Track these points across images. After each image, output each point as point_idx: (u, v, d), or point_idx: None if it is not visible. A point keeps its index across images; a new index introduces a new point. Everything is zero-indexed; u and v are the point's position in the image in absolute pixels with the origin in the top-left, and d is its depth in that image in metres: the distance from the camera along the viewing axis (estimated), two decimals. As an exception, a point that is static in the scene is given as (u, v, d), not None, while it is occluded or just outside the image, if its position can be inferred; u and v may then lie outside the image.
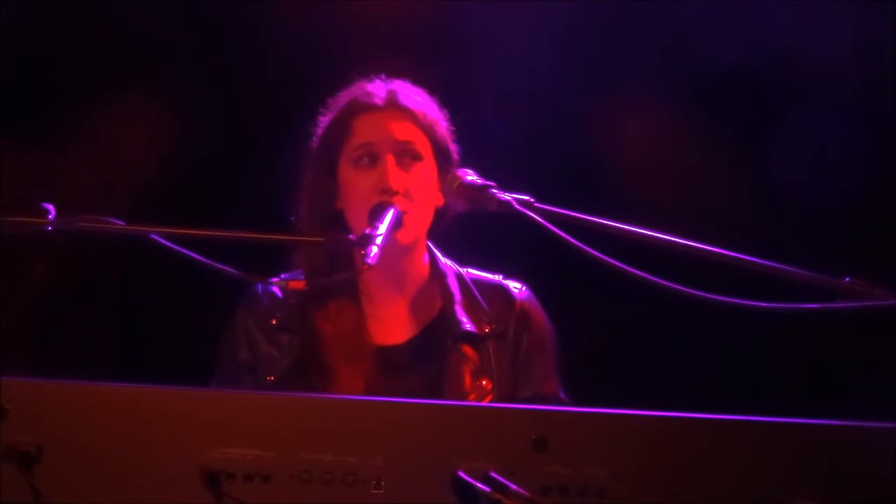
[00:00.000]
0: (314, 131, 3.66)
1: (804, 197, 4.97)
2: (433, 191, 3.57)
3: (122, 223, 3.02)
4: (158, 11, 5.01)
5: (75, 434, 2.44)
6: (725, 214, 5.00)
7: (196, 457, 2.45)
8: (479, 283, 3.68)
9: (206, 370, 3.60)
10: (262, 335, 3.58)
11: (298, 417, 2.48)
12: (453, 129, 3.67)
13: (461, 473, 2.45)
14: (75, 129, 5.05)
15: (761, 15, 4.97)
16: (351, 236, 3.36)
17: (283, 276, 3.52)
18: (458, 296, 3.62)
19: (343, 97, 3.66)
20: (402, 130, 3.57)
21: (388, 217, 3.39)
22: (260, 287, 3.62)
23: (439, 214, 3.61)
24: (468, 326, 3.58)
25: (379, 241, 3.23)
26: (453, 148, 3.65)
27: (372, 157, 3.56)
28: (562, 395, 3.64)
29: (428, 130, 3.60)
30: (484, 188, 3.27)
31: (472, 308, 3.62)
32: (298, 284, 3.38)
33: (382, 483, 2.47)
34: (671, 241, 3.00)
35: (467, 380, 3.54)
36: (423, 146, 3.58)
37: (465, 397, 3.51)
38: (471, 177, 3.33)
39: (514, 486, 2.43)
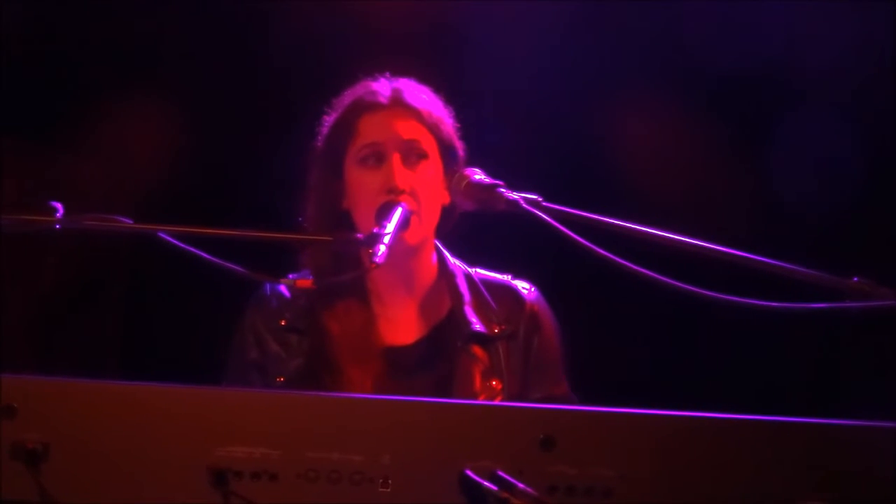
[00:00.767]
0: (320, 131, 3.66)
1: (811, 196, 4.97)
2: (440, 189, 3.57)
3: (129, 222, 3.03)
4: (165, 12, 5.01)
5: (82, 432, 2.45)
6: (732, 214, 4.99)
7: (203, 455, 2.45)
8: (487, 283, 3.67)
9: (213, 369, 3.60)
10: (271, 336, 3.58)
11: (305, 416, 2.48)
12: (458, 126, 3.67)
13: (468, 472, 2.45)
14: (83, 129, 5.05)
15: (768, 13, 4.96)
16: (359, 235, 3.36)
17: (290, 276, 3.52)
18: (467, 296, 3.62)
19: (348, 96, 3.65)
20: (407, 129, 3.57)
21: (397, 216, 3.39)
22: (268, 288, 3.62)
23: (446, 213, 3.61)
24: (478, 327, 3.58)
25: (387, 239, 3.23)
26: (459, 145, 3.65)
27: (378, 157, 3.55)
28: (573, 396, 3.63)
29: (433, 128, 3.60)
30: (492, 187, 3.27)
31: (481, 308, 3.61)
32: (307, 283, 3.38)
33: (389, 482, 2.47)
34: (678, 240, 3.00)
35: (477, 380, 3.54)
36: (429, 144, 3.58)
37: (474, 398, 3.50)
38: (479, 176, 3.33)
39: (521, 485, 2.43)
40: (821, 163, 4.96)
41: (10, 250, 4.86)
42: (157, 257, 3.27)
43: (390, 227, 3.32)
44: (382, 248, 3.19)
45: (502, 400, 3.52)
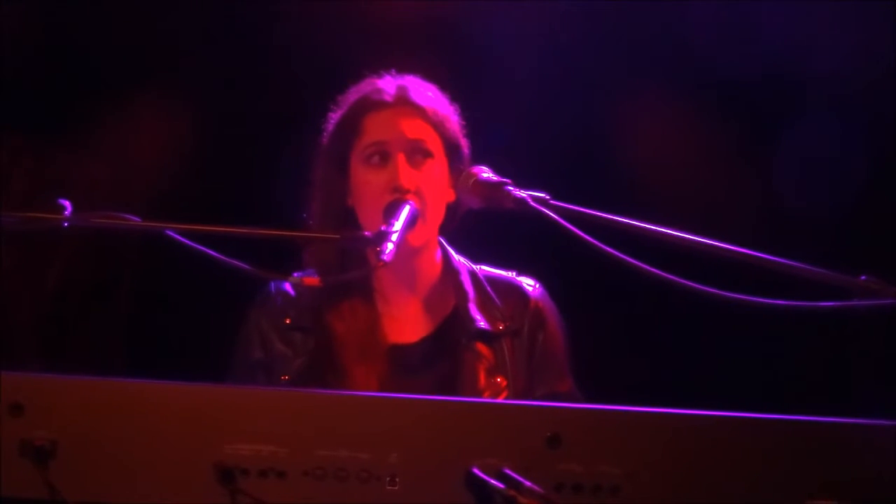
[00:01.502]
0: (325, 128, 3.66)
1: (819, 195, 4.96)
2: (445, 188, 3.57)
3: (137, 219, 3.03)
4: (174, 11, 5.01)
5: (90, 430, 2.45)
6: (739, 212, 4.99)
7: (211, 453, 2.45)
8: (492, 280, 3.67)
9: (220, 366, 3.60)
10: (276, 334, 3.58)
11: (313, 414, 2.48)
12: (464, 124, 3.67)
13: (475, 470, 2.45)
14: (91, 127, 5.06)
15: (773, 12, 4.96)
16: (366, 233, 3.35)
17: (295, 274, 3.53)
18: (471, 293, 3.62)
19: (353, 94, 3.65)
20: (412, 128, 3.57)
21: (404, 214, 3.38)
22: (273, 286, 3.62)
23: (451, 211, 3.61)
24: (482, 324, 3.58)
25: (395, 237, 3.23)
26: (464, 143, 3.64)
27: (383, 156, 3.55)
28: (577, 392, 3.63)
29: (439, 127, 3.59)
30: (499, 185, 3.27)
31: (485, 306, 3.61)
32: (313, 281, 3.38)
33: (397, 479, 2.47)
34: (686, 238, 2.99)
35: (482, 378, 3.54)
36: (434, 143, 3.57)
37: (479, 395, 3.50)
38: (486, 174, 3.33)
39: (528, 483, 2.43)
40: (828, 161, 4.95)
41: (19, 248, 4.87)
42: (164, 255, 3.27)
43: (398, 225, 3.31)
44: (390, 246, 3.19)
45: (507, 397, 3.52)
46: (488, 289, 3.64)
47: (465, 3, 5.06)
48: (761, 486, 2.49)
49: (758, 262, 2.95)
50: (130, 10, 5.02)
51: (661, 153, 5.08)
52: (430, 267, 3.64)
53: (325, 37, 5.01)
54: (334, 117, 3.65)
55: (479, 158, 3.54)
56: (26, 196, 4.84)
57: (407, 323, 3.61)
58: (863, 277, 2.88)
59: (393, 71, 3.68)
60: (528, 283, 3.68)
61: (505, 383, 3.54)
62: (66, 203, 3.00)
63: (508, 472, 2.45)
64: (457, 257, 3.67)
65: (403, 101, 3.59)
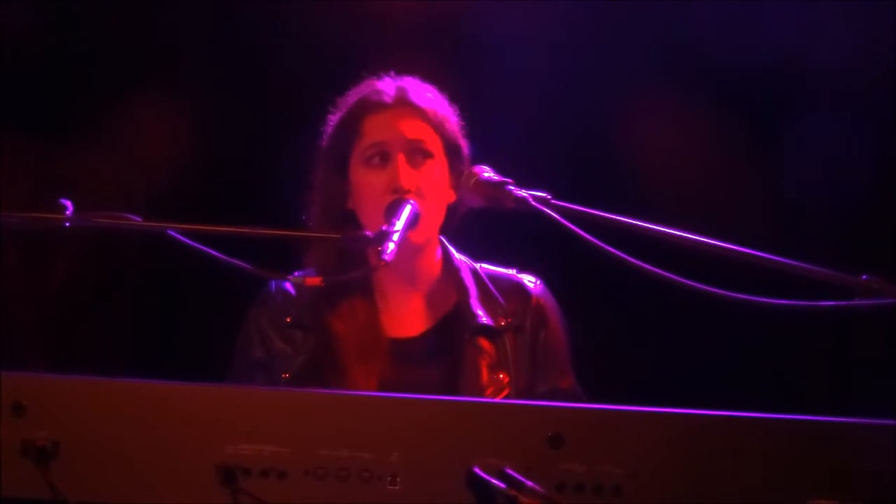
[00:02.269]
0: (324, 130, 3.66)
1: (821, 194, 4.96)
2: (445, 188, 3.57)
3: (139, 219, 3.03)
4: (175, 12, 5.02)
5: (92, 430, 2.45)
6: (741, 211, 4.99)
7: (212, 453, 2.45)
8: (493, 277, 3.67)
9: (222, 366, 3.60)
10: (276, 333, 3.58)
11: (314, 413, 2.49)
12: (464, 124, 3.67)
13: (477, 470, 2.45)
14: (93, 127, 5.06)
15: (778, 11, 4.96)
16: (367, 233, 3.35)
17: (296, 274, 3.53)
18: (473, 289, 3.62)
19: (352, 95, 3.65)
20: (412, 129, 3.57)
21: (406, 213, 3.39)
22: (274, 286, 3.62)
23: (451, 211, 3.61)
24: (484, 319, 3.58)
25: (396, 237, 3.23)
26: (464, 144, 3.64)
27: (383, 157, 3.55)
28: (579, 389, 3.63)
29: (438, 127, 3.59)
30: (501, 185, 3.26)
31: (487, 302, 3.61)
32: (315, 281, 3.38)
33: (398, 479, 2.47)
34: (688, 238, 2.99)
35: (484, 373, 3.54)
36: (434, 144, 3.57)
37: (482, 391, 3.50)
38: (487, 173, 3.33)
39: (529, 483, 2.43)
40: (831, 161, 4.95)
41: (21, 248, 4.87)
42: (166, 255, 3.27)
43: (399, 224, 3.32)
44: (391, 245, 3.19)
45: (509, 393, 3.52)
46: (490, 285, 3.65)
47: (464, 4, 5.06)
48: (763, 486, 2.49)
49: (759, 262, 2.95)
50: (133, 10, 5.02)
51: (662, 152, 5.08)
52: (431, 265, 3.64)
53: (326, 38, 5.01)
54: (334, 119, 3.65)
55: (479, 158, 3.54)
56: (28, 196, 4.85)
57: (407, 318, 3.61)
58: (864, 277, 2.88)
59: (392, 72, 3.68)
60: (529, 279, 3.69)
61: (507, 379, 3.54)
62: (68, 203, 3.00)
63: (510, 471, 2.45)
64: (458, 256, 3.67)
65: (403, 102, 3.59)
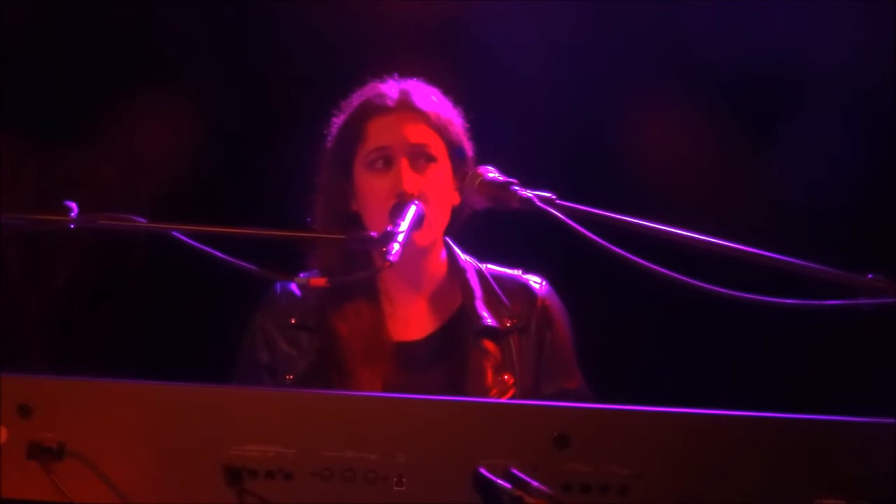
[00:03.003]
0: (329, 132, 3.66)
1: (825, 193, 4.96)
2: (449, 191, 3.57)
3: (143, 221, 3.03)
4: (179, 13, 5.02)
5: (97, 431, 2.45)
6: (745, 211, 4.98)
7: (218, 454, 2.46)
8: (499, 278, 3.67)
9: (227, 367, 3.60)
10: (281, 335, 3.58)
11: (320, 414, 2.49)
12: (468, 127, 3.66)
13: (482, 470, 2.45)
14: (98, 129, 5.06)
15: (784, 10, 4.96)
16: (372, 233, 3.35)
17: (301, 275, 3.53)
18: (478, 291, 3.62)
19: (356, 98, 3.65)
20: (415, 133, 3.56)
21: (411, 214, 3.39)
22: (278, 287, 3.62)
23: (456, 213, 3.61)
24: (489, 321, 3.58)
25: (401, 238, 3.23)
26: (468, 147, 3.64)
27: (386, 161, 3.55)
28: (586, 389, 3.63)
29: (442, 131, 3.59)
30: (506, 185, 3.26)
31: (492, 303, 3.61)
32: (320, 282, 3.38)
33: (404, 480, 2.47)
34: (693, 237, 2.99)
35: (489, 375, 3.54)
36: (437, 147, 3.57)
37: (487, 393, 3.50)
38: (492, 174, 3.32)
39: (535, 483, 2.43)
40: (834, 159, 4.95)
41: (26, 249, 4.87)
42: (170, 256, 3.27)
43: (404, 225, 3.31)
44: (396, 246, 3.19)
45: (514, 394, 3.52)
46: (495, 287, 3.64)
47: (468, 6, 5.06)
48: (770, 486, 2.49)
49: (764, 261, 2.95)
50: (137, 12, 5.02)
51: (666, 153, 5.08)
52: (436, 266, 3.64)
53: (331, 39, 5.01)
54: (338, 122, 3.65)
55: (484, 159, 3.54)
56: (33, 197, 4.85)
57: (412, 321, 3.61)
58: (869, 275, 2.88)
59: (396, 75, 3.68)
60: (534, 280, 3.69)
61: (512, 381, 3.54)
62: (73, 204, 3.00)
63: (516, 472, 2.45)
64: (463, 256, 3.67)
65: (406, 106, 3.59)
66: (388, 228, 3.27)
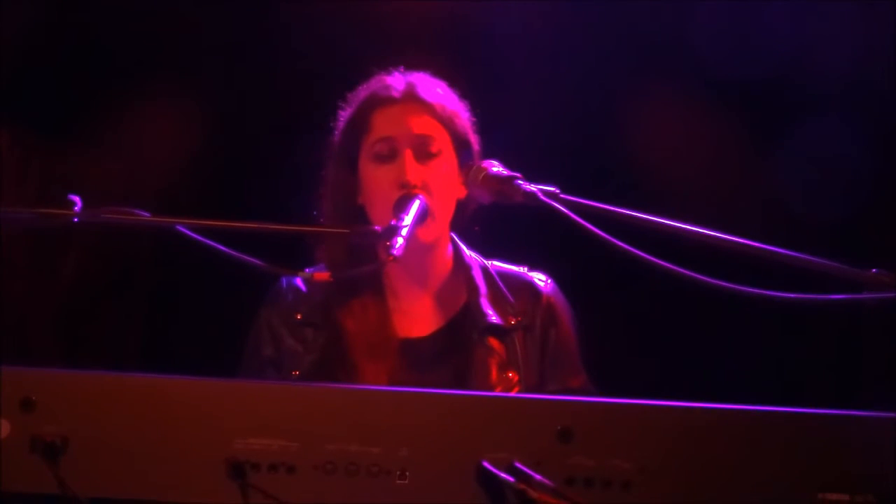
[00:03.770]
0: (335, 126, 3.66)
1: (831, 188, 4.96)
2: (453, 184, 3.56)
3: (147, 215, 3.03)
4: (184, 9, 5.02)
5: (101, 425, 2.46)
6: (751, 206, 4.99)
7: (221, 447, 2.46)
8: (504, 275, 3.67)
9: (231, 361, 3.60)
10: (287, 330, 3.57)
11: (323, 408, 2.49)
12: (474, 120, 3.66)
13: (486, 464, 2.45)
14: (102, 124, 5.07)
15: (786, 10, 4.96)
16: (376, 227, 3.34)
17: (306, 270, 3.52)
18: (483, 288, 3.61)
19: (362, 91, 3.64)
20: (420, 124, 3.56)
21: (414, 208, 3.38)
22: (284, 282, 3.62)
23: (461, 207, 3.60)
24: (494, 319, 3.58)
25: (404, 232, 3.22)
26: (474, 139, 3.64)
27: (391, 152, 3.54)
28: (591, 387, 3.62)
29: (447, 123, 3.58)
30: (510, 179, 3.25)
31: (497, 301, 3.61)
32: (324, 276, 3.39)
33: (407, 474, 2.47)
34: (698, 232, 2.99)
35: (494, 372, 3.53)
36: (442, 139, 3.57)
37: (491, 390, 3.50)
38: (496, 168, 3.32)
39: (538, 477, 2.43)
40: (840, 154, 4.94)
41: (31, 244, 4.88)
42: (175, 250, 3.27)
43: (408, 219, 3.31)
44: (400, 240, 3.18)
45: (519, 392, 3.52)
46: (500, 284, 3.64)
47: (475, 1, 5.06)
48: (774, 480, 2.49)
49: (769, 256, 2.94)
50: (141, 8, 5.03)
51: (671, 148, 5.08)
52: (442, 263, 3.63)
53: (337, 34, 5.01)
54: (344, 114, 3.65)
55: (489, 154, 3.53)
56: (37, 192, 4.85)
57: (418, 318, 3.61)
58: (874, 270, 2.88)
59: (402, 67, 3.68)
60: (539, 278, 3.68)
61: (517, 378, 3.54)
62: (77, 199, 3.00)
63: (519, 465, 2.45)
64: (468, 252, 3.67)
65: (411, 98, 3.58)
66: (392, 223, 3.26)
